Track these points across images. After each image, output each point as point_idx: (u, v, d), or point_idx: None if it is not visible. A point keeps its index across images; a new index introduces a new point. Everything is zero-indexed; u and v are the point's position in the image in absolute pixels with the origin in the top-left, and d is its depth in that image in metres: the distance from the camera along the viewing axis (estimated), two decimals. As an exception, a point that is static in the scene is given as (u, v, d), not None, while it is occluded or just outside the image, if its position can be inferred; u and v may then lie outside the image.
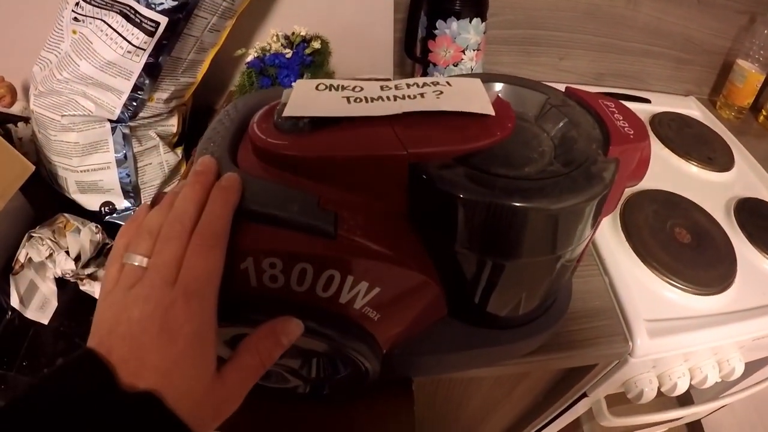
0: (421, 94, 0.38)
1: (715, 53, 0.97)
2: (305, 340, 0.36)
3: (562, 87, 0.86)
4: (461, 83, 0.40)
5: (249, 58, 0.76)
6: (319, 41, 0.78)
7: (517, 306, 0.45)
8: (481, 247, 0.37)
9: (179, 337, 0.27)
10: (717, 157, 0.86)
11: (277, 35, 0.77)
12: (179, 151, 0.80)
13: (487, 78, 0.47)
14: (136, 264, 0.29)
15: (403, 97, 0.38)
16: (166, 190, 0.38)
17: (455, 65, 0.76)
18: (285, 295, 0.35)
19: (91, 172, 0.73)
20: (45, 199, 0.74)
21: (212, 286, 0.29)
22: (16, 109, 0.79)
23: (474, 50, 0.75)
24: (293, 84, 0.40)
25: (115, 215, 0.75)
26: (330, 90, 0.39)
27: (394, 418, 0.50)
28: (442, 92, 0.39)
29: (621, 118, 0.42)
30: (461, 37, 0.74)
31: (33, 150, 0.76)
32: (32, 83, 0.72)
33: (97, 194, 0.74)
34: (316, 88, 0.39)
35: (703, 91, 1.02)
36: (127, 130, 0.72)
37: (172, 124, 0.79)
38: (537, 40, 0.88)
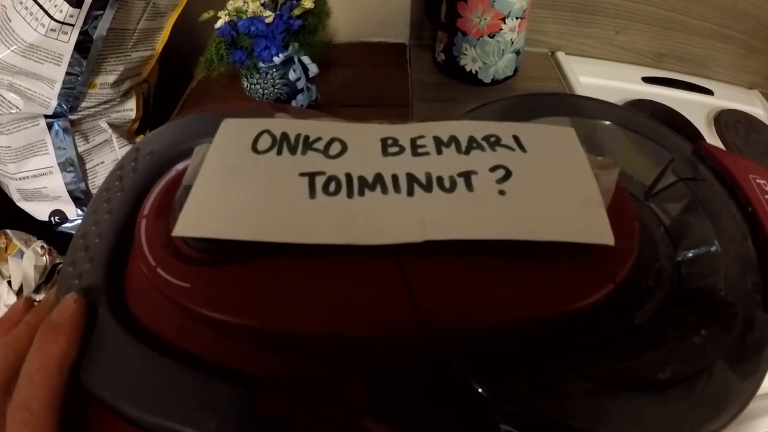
0: (467, 179, 0.20)
1: (790, 43, 0.77)
2: None
3: (614, 66, 0.66)
4: (544, 146, 0.21)
5: (219, 23, 0.56)
6: (313, -2, 0.57)
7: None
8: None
9: None
10: (788, 176, 0.68)
11: (255, -8, 0.56)
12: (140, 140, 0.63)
13: (571, 105, 0.28)
14: None
15: (428, 185, 0.19)
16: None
17: (491, 36, 0.55)
18: None
19: (31, 179, 0.57)
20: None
21: None
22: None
23: (517, 18, 0.54)
24: (220, 126, 0.22)
25: (67, 225, 0.61)
26: (280, 150, 0.20)
27: None
28: (508, 173, 0.20)
29: (789, 219, 0.24)
30: (502, 1, 0.52)
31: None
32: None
33: (44, 202, 0.59)
34: (255, 145, 0.20)
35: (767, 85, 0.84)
36: (67, 125, 0.55)
37: (129, 109, 0.61)
38: (591, 8, 0.67)
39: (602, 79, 0.67)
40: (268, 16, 0.55)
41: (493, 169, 0.20)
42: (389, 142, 0.21)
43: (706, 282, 0.23)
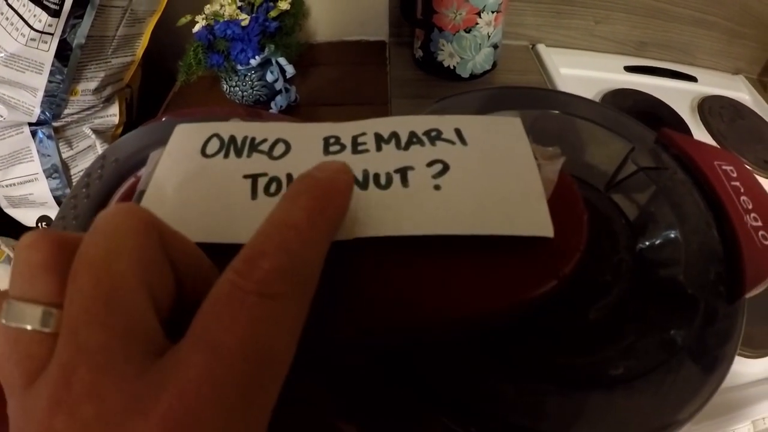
0: (403, 175, 0.19)
1: (774, 28, 0.75)
2: None
3: (596, 56, 0.64)
4: (486, 138, 0.20)
5: (196, 28, 0.55)
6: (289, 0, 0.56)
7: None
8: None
9: None
10: (774, 160, 0.67)
11: (232, -6, 0.56)
12: (127, 146, 0.62)
13: (532, 99, 0.27)
14: (29, 328, 0.12)
15: (365, 182, 0.19)
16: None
17: (467, 31, 0.54)
18: None
19: (17, 186, 0.57)
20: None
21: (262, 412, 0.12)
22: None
23: (493, 12, 0.53)
24: (174, 131, 0.22)
25: (56, 231, 0.60)
26: (227, 154, 0.20)
27: None
28: (446, 167, 0.19)
29: (750, 204, 0.23)
30: (476, -5, 0.51)
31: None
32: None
33: (31, 208, 0.59)
34: (204, 149, 0.20)
35: (753, 70, 0.81)
36: (51, 132, 0.55)
37: (112, 114, 0.60)
38: (570, -2, 0.67)
39: (583, 70, 0.66)
40: (244, 19, 0.54)
41: (430, 164, 0.19)
42: (331, 140, 0.21)
43: (668, 274, 0.22)
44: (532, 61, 0.66)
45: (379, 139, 0.20)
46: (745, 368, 0.46)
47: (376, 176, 0.19)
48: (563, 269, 0.18)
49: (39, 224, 0.60)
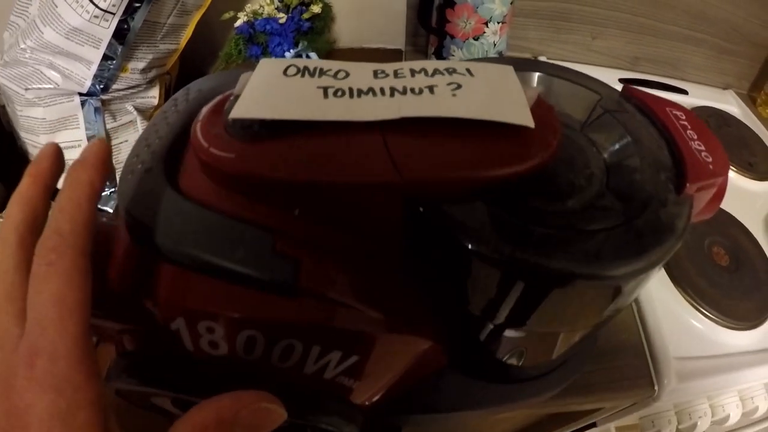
0: (430, 88, 0.26)
1: (761, 46, 0.83)
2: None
3: (592, 70, 0.73)
4: (488, 73, 0.28)
5: (238, 23, 0.64)
6: (320, 4, 0.65)
7: (536, 364, 0.35)
8: (502, 318, 0.27)
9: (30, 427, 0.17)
10: (758, 163, 0.74)
11: (271, -3, 0.65)
12: (162, 126, 0.69)
13: (521, 65, 0.35)
14: None
15: (404, 92, 0.26)
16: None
17: (476, 39, 0.63)
18: (232, 362, 0.26)
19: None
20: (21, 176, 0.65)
21: (66, 330, 0.18)
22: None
23: (498, 23, 0.62)
24: (259, 63, 0.28)
25: (91, 197, 0.66)
26: (303, 75, 0.27)
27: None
28: (459, 86, 0.27)
29: (695, 136, 0.30)
30: (484, 7, 0.60)
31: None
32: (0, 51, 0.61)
33: (70, 174, 0.65)
34: (285, 71, 0.27)
35: (742, 85, 0.89)
36: (99, 104, 0.61)
37: (153, 96, 0.67)
38: (568, 15, 0.74)
39: (581, 81, 0.73)
40: (282, 17, 0.63)
41: (449, 84, 0.27)
42: (379, 71, 0.28)
43: (629, 179, 0.29)
44: (533, 73, 0.74)
45: (413, 71, 0.28)
46: (730, 339, 0.51)
47: (412, 89, 0.26)
48: (544, 153, 0.25)
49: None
